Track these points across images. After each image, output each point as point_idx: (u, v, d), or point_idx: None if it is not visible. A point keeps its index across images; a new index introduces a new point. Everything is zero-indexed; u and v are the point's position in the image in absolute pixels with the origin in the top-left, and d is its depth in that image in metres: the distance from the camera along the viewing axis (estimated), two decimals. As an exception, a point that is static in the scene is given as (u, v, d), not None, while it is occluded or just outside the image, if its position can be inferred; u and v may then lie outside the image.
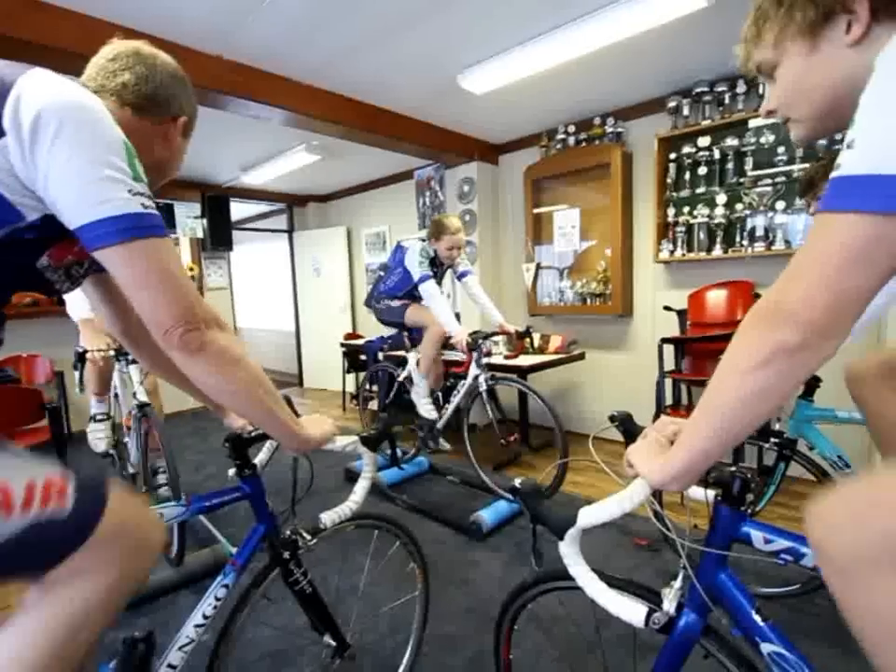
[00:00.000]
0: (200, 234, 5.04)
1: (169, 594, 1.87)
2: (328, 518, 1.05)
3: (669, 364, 2.94)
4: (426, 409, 2.91)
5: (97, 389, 2.51)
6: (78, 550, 0.67)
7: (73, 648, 0.70)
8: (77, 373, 2.22)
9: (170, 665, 0.87)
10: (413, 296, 2.92)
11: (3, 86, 0.65)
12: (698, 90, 2.89)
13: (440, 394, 3.03)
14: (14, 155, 0.64)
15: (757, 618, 0.65)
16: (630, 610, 0.70)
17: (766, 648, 0.64)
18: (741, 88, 2.77)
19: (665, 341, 2.83)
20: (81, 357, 2.18)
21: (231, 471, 1.00)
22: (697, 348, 2.94)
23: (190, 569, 1.94)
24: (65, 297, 2.02)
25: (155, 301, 0.70)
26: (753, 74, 0.71)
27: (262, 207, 6.11)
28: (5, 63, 0.69)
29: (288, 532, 1.05)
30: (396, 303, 2.91)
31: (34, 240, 0.72)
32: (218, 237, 5.04)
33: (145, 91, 0.84)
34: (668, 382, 2.94)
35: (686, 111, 2.99)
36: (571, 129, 3.54)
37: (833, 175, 0.49)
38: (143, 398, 2.15)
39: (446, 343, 2.88)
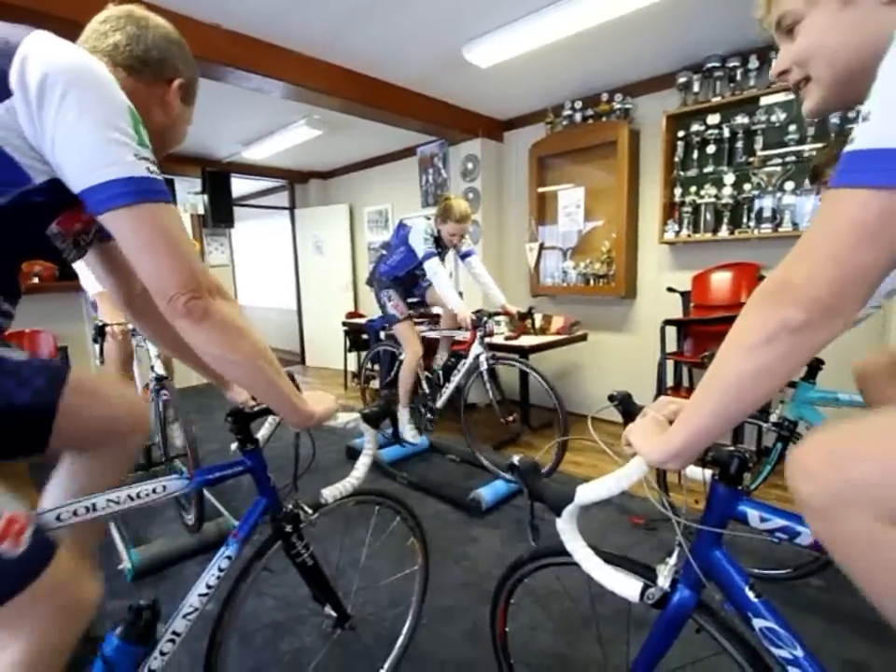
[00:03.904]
0: (201, 210, 5.00)
1: (177, 563, 1.91)
2: (329, 493, 1.06)
3: (671, 346, 2.94)
4: (410, 434, 2.98)
5: (121, 370, 2.52)
6: (13, 598, 0.63)
7: None
8: (96, 346, 2.26)
9: (174, 633, 0.89)
10: (415, 275, 2.91)
11: (8, 46, 0.64)
12: (709, 65, 2.80)
13: (440, 373, 3.04)
14: (22, 116, 0.63)
15: (750, 594, 0.67)
16: (625, 586, 0.71)
17: (758, 623, 0.66)
18: (753, 63, 2.69)
19: (667, 322, 2.82)
20: (101, 331, 2.20)
21: (234, 446, 1.01)
22: (700, 330, 2.93)
23: (198, 540, 2.01)
24: (79, 270, 2.02)
25: (160, 267, 0.69)
26: (770, 30, 0.66)
27: (264, 184, 6.05)
28: (6, 25, 0.68)
29: (290, 506, 1.06)
30: (392, 309, 2.90)
31: (42, 205, 0.72)
32: (219, 213, 4.98)
33: (136, 51, 0.82)
34: (670, 364, 2.94)
35: (696, 87, 2.91)
36: (578, 105, 3.46)
37: (846, 149, 0.47)
38: (160, 370, 2.17)
39: (451, 322, 2.91)
